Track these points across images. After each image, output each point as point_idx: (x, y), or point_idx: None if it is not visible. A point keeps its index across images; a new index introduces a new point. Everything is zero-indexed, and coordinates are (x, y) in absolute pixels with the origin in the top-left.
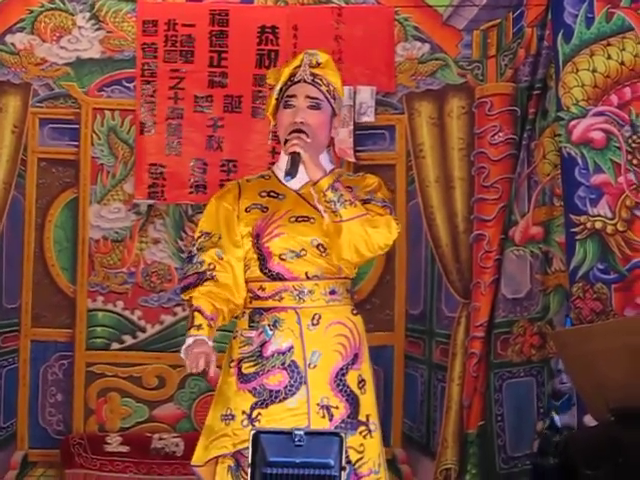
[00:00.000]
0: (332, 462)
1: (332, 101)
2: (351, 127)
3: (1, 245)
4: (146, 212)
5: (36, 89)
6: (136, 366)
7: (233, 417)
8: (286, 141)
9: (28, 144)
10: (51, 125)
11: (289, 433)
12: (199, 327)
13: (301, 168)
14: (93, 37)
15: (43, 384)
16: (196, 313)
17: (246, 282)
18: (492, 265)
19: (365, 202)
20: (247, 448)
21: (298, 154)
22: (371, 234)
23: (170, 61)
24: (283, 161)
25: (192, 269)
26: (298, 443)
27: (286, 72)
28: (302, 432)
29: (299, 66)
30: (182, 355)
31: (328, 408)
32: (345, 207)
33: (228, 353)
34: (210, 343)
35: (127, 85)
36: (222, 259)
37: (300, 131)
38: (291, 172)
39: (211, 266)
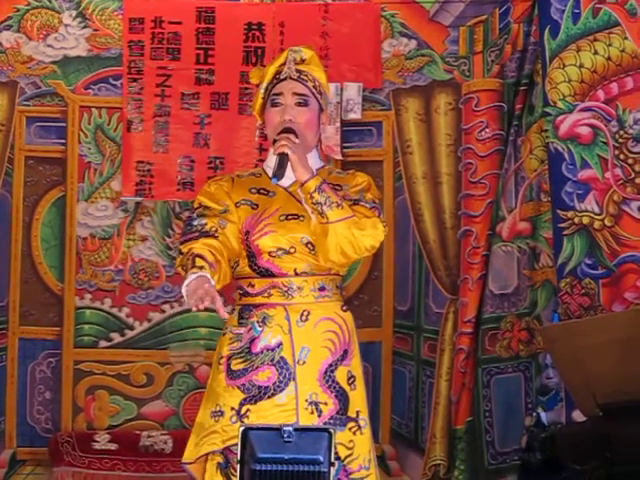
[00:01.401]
0: (321, 458)
1: (319, 97)
2: (338, 124)
3: None
4: (133, 210)
5: (23, 87)
6: (124, 364)
7: (222, 413)
8: (275, 141)
9: (15, 142)
10: (38, 123)
11: (278, 429)
12: (201, 268)
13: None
14: (80, 35)
15: (31, 382)
16: (197, 258)
17: (235, 279)
18: (480, 261)
19: (353, 203)
20: (236, 444)
21: (286, 155)
22: (357, 236)
23: (157, 58)
24: (272, 160)
25: (192, 229)
26: (287, 439)
27: (271, 70)
28: (291, 428)
29: (284, 63)
30: (183, 292)
31: (317, 404)
32: (332, 209)
33: (218, 350)
34: (212, 282)
35: (114, 83)
36: (225, 227)
37: (289, 131)
38: (277, 174)
39: (213, 229)
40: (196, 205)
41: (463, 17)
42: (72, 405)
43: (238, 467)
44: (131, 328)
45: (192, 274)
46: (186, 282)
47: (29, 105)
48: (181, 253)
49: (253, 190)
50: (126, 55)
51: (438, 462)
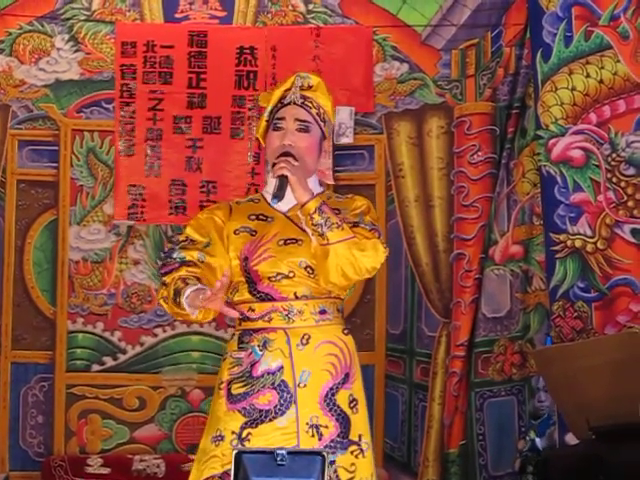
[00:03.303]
0: None
1: (322, 124)
2: (330, 149)
3: None
4: (126, 233)
5: (15, 111)
6: (117, 387)
7: (222, 438)
8: (274, 164)
9: (7, 166)
10: (30, 147)
11: (271, 453)
12: (192, 284)
13: (290, 190)
14: (72, 59)
15: (24, 406)
16: (178, 282)
17: (235, 304)
18: (472, 284)
19: (353, 225)
20: None
21: (286, 177)
22: (358, 257)
23: (149, 82)
24: (271, 185)
25: (172, 261)
26: (280, 462)
27: (277, 94)
28: (284, 452)
29: (289, 88)
30: (184, 303)
31: (317, 427)
32: (332, 230)
33: (218, 376)
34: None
35: (106, 106)
36: (203, 262)
37: (288, 154)
38: (278, 195)
39: (191, 262)
40: (182, 237)
41: (455, 40)
42: (64, 429)
43: None
44: (123, 352)
45: (190, 287)
46: (185, 294)
47: (21, 129)
48: (164, 284)
49: (252, 217)
50: (118, 79)
51: None
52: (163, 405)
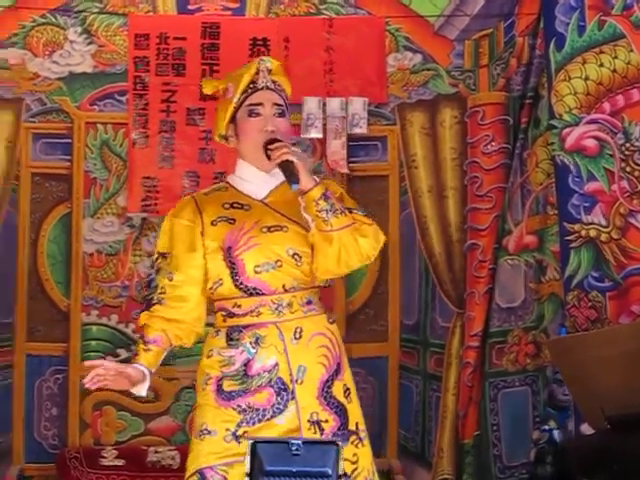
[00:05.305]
0: (329, 471)
1: (288, 107)
2: (344, 139)
3: None
4: (139, 225)
5: (29, 104)
6: None
7: (210, 432)
8: (268, 150)
9: (21, 159)
10: (44, 140)
11: (286, 442)
12: (135, 355)
13: (264, 177)
14: (85, 51)
15: (38, 398)
16: (139, 341)
17: (217, 300)
18: (486, 274)
19: (349, 211)
20: (230, 463)
21: (291, 162)
22: (361, 243)
23: (162, 74)
24: (243, 170)
25: (148, 295)
26: (295, 452)
27: (245, 79)
28: (299, 441)
29: (257, 73)
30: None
31: (318, 423)
32: (336, 216)
33: (201, 372)
34: (142, 368)
35: (119, 99)
36: (172, 280)
37: (277, 140)
38: (294, 179)
39: (162, 289)
40: (155, 256)
41: (468, 31)
42: (79, 421)
43: None
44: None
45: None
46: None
47: (35, 122)
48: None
49: (226, 205)
50: (131, 71)
51: (446, 476)
52: (177, 396)
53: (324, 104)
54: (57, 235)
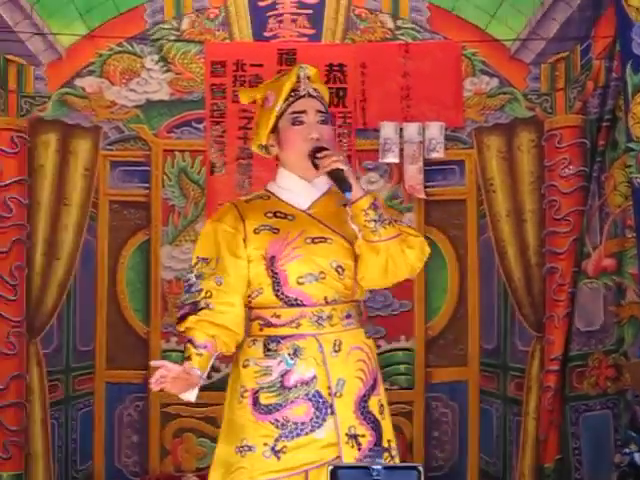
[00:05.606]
0: None
1: (329, 114)
2: (421, 163)
3: (74, 288)
4: None
5: (106, 132)
6: (211, 406)
7: (250, 448)
8: (316, 159)
9: (99, 187)
10: (122, 167)
11: (366, 467)
12: (188, 358)
13: (307, 186)
14: (162, 79)
15: (118, 425)
16: (188, 344)
17: (255, 308)
18: (565, 298)
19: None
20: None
21: (341, 170)
22: (408, 254)
23: (239, 101)
24: (285, 180)
25: (189, 299)
26: (376, 477)
27: (286, 87)
28: (380, 466)
29: (298, 81)
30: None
31: (356, 437)
32: (384, 227)
33: (236, 382)
34: (198, 372)
35: (196, 126)
36: (221, 284)
37: (325, 148)
38: (346, 187)
39: (208, 294)
40: (194, 261)
41: (544, 54)
42: (159, 448)
43: None
44: (217, 370)
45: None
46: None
47: (112, 149)
48: (179, 322)
49: (269, 214)
50: (208, 98)
51: None
52: None
53: (401, 129)
54: (136, 263)
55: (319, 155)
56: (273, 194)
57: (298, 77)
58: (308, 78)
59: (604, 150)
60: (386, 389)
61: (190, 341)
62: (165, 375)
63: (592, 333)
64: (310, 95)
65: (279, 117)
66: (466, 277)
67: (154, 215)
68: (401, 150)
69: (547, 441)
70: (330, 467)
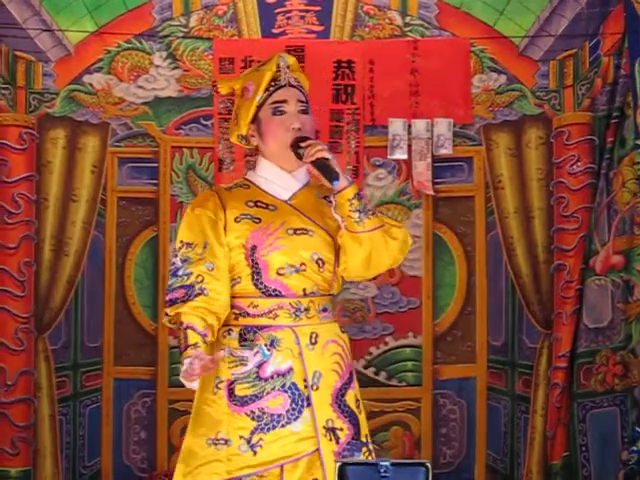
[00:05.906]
0: None
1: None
2: (429, 160)
3: (82, 284)
4: None
5: (114, 128)
6: None
7: (226, 442)
8: (299, 148)
9: (107, 183)
10: (130, 164)
11: (375, 464)
12: (195, 345)
13: (287, 177)
14: (170, 76)
15: (126, 422)
16: (189, 331)
17: (232, 297)
18: (573, 295)
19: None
20: (247, 475)
21: (327, 159)
22: (391, 245)
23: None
24: (266, 170)
25: (178, 282)
26: (384, 474)
27: (267, 76)
28: (388, 463)
29: (278, 70)
30: (181, 378)
31: (334, 430)
32: (368, 217)
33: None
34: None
35: (205, 123)
36: (212, 270)
37: (307, 138)
38: (333, 176)
39: (199, 278)
40: (178, 245)
41: (552, 51)
42: (167, 444)
43: None
44: None
45: (187, 358)
46: (183, 368)
47: (120, 146)
48: (167, 314)
49: (250, 203)
50: (216, 95)
51: None
52: None
53: (409, 125)
54: (144, 259)
55: (303, 145)
56: (253, 183)
57: (278, 66)
58: (288, 67)
59: (612, 147)
60: (394, 386)
61: (191, 328)
62: (205, 363)
63: (600, 330)
64: (290, 85)
65: (259, 107)
66: (474, 274)
67: (162, 212)
68: (409, 146)
69: (554, 438)
70: (338, 464)
